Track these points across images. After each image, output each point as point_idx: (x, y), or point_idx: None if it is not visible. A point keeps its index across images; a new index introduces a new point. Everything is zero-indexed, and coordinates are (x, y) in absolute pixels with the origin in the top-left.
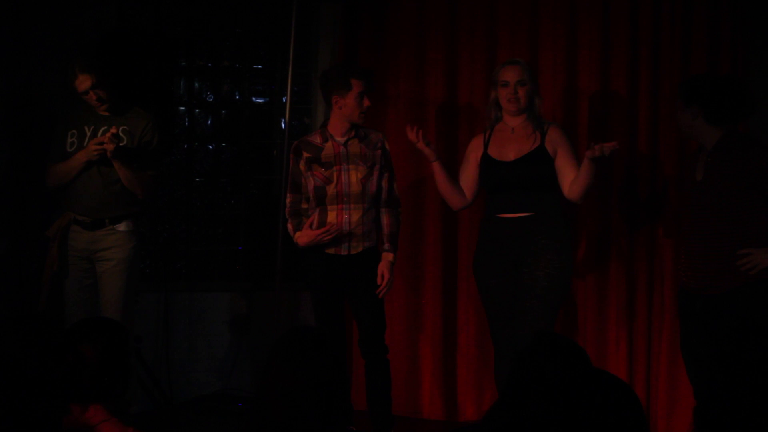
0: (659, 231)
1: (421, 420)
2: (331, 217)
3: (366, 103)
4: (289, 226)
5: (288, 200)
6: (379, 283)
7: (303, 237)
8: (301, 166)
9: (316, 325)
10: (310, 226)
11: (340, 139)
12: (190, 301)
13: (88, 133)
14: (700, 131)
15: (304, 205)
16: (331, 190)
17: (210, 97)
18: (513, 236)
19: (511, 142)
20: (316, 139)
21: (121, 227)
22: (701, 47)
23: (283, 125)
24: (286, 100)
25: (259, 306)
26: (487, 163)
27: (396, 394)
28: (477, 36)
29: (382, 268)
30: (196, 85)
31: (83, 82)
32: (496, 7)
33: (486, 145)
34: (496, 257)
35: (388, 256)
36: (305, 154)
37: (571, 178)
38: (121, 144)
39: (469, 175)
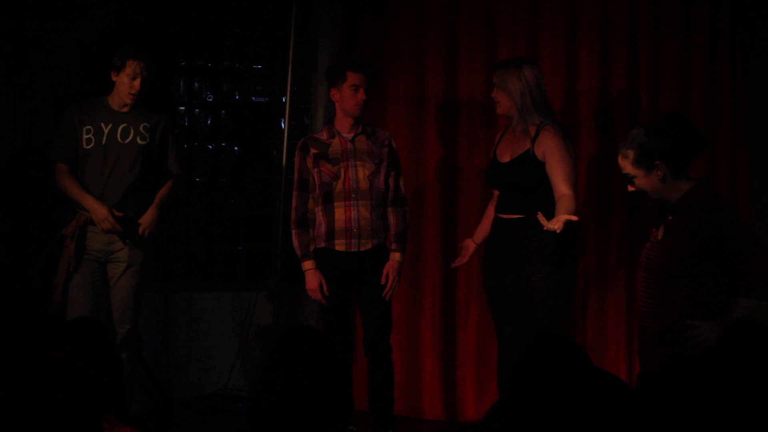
0: None
1: (421, 420)
2: (339, 214)
3: (361, 96)
4: (294, 238)
5: (294, 200)
6: (383, 283)
7: (310, 275)
8: (309, 163)
9: (322, 322)
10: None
11: (347, 136)
12: (190, 301)
13: (106, 131)
14: (670, 190)
15: (310, 205)
16: (338, 186)
17: (210, 97)
18: (507, 237)
19: (511, 143)
20: (323, 135)
21: (138, 229)
22: (701, 47)
23: (283, 125)
24: (285, 100)
25: (259, 306)
26: (490, 161)
27: (396, 394)
28: (477, 36)
29: (388, 268)
30: (196, 85)
31: (135, 68)
32: (496, 7)
33: (497, 144)
34: (496, 257)
35: (395, 256)
36: (312, 150)
37: (556, 186)
38: (143, 142)
39: None
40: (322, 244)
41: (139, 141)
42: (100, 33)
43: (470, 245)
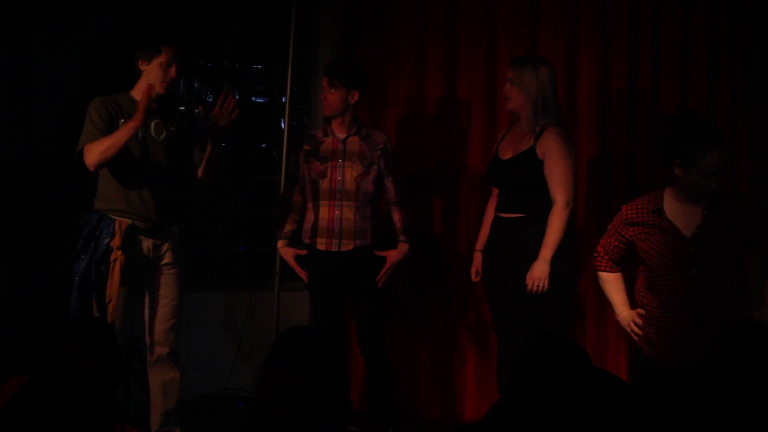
0: None
1: (420, 420)
2: (323, 212)
3: (321, 97)
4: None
5: (282, 188)
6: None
7: (283, 251)
8: (300, 158)
9: (313, 323)
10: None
11: (341, 136)
12: (189, 302)
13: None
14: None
15: (297, 197)
16: (324, 184)
17: (210, 97)
18: (507, 236)
19: (514, 140)
20: (319, 133)
21: (175, 229)
22: (701, 47)
23: (282, 125)
24: (285, 100)
25: (258, 306)
26: (492, 158)
27: (395, 394)
28: (476, 36)
29: (392, 253)
30: (196, 85)
31: (171, 55)
32: (496, 7)
33: (500, 141)
34: (495, 256)
35: (403, 247)
36: (305, 147)
37: (551, 189)
38: (174, 140)
39: None
40: (307, 241)
41: (171, 138)
42: (100, 33)
43: (477, 257)
